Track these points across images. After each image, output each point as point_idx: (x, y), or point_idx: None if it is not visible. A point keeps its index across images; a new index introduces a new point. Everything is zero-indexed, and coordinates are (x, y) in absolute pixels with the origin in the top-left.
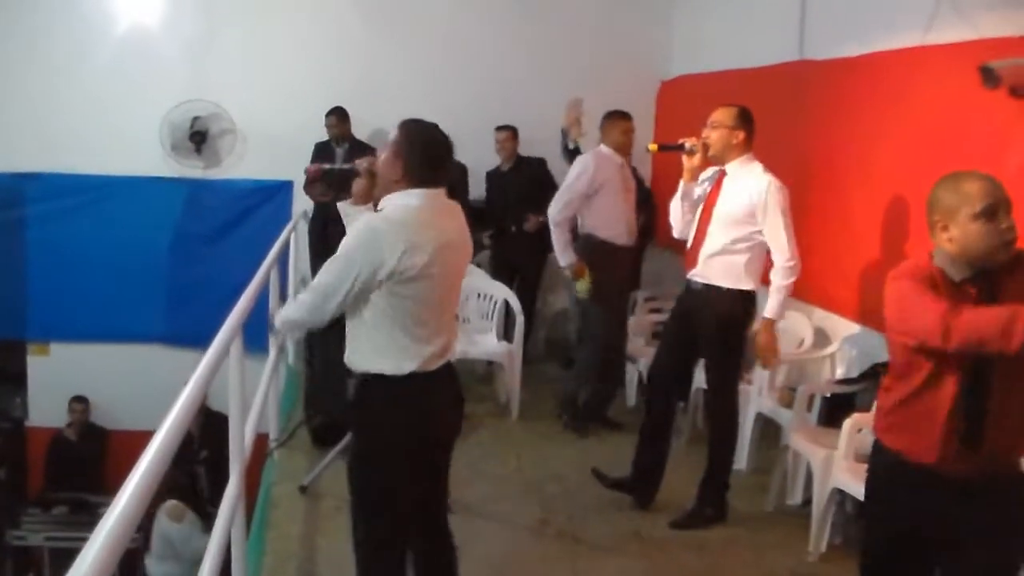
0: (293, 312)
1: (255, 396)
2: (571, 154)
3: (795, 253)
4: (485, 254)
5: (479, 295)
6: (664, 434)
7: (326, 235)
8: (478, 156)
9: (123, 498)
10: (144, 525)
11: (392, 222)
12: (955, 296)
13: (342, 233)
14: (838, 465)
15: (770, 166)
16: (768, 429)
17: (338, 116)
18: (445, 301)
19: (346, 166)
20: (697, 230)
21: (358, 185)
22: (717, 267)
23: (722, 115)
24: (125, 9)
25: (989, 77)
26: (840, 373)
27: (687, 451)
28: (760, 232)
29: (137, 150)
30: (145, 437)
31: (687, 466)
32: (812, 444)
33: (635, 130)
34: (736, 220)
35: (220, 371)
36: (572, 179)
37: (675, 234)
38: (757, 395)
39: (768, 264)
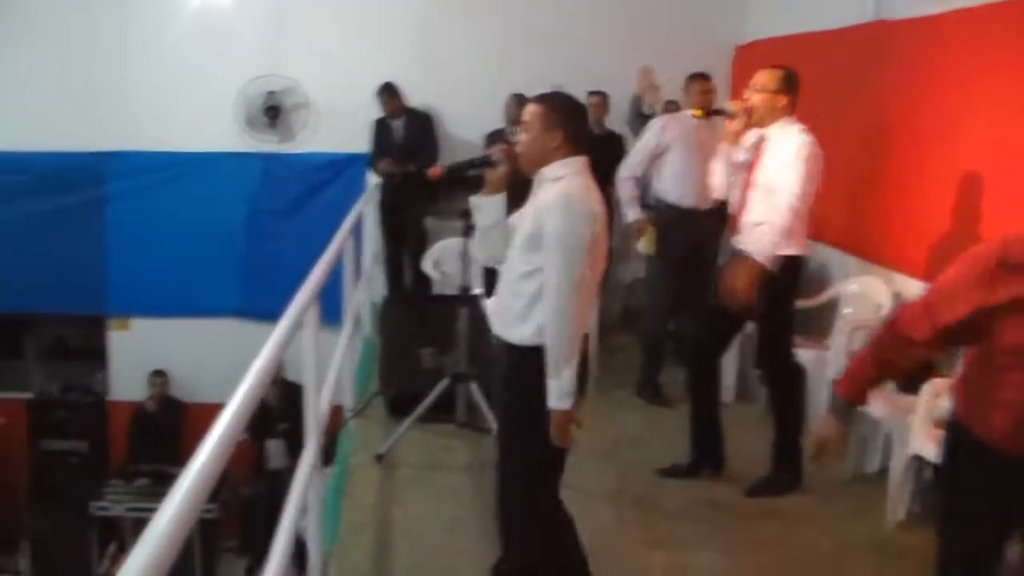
0: (553, 329)
1: (330, 367)
2: (643, 119)
3: (802, 196)
4: None
5: None
6: (713, 404)
7: (393, 208)
8: None
9: (194, 468)
10: (223, 496)
11: (579, 191)
12: (1011, 280)
13: (413, 210)
14: (916, 431)
15: (845, 131)
16: None
17: (388, 93)
18: (600, 270)
19: (476, 158)
20: (740, 197)
21: (495, 174)
22: (760, 235)
23: (765, 78)
24: None
25: None
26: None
27: (763, 419)
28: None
29: (213, 126)
30: (220, 410)
31: (765, 434)
32: (890, 409)
33: (714, 90)
34: (775, 189)
35: (297, 343)
36: (641, 139)
37: (715, 195)
38: (834, 360)
39: (810, 222)
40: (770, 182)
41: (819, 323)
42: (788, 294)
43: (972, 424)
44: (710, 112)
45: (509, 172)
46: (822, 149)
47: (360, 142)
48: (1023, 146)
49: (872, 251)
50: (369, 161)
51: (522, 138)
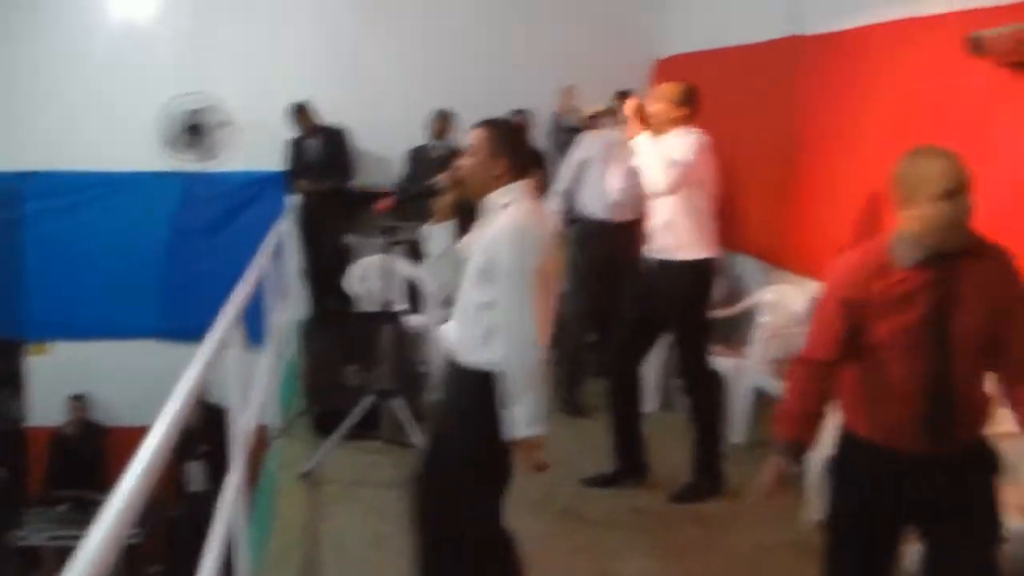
0: (519, 356)
1: (254, 387)
2: (567, 133)
3: (668, 179)
4: None
5: None
6: (634, 414)
7: (313, 226)
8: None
9: (121, 493)
10: (145, 521)
11: (524, 217)
12: (895, 286)
13: (333, 228)
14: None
15: (764, 141)
16: (764, 401)
17: (300, 112)
18: (552, 292)
19: (428, 183)
20: (647, 207)
21: (443, 202)
22: (668, 240)
23: (668, 89)
24: (119, 5)
25: (977, 46)
26: None
27: (686, 427)
28: (698, 191)
29: (133, 145)
30: (144, 433)
31: (687, 441)
32: None
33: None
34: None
35: (219, 364)
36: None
37: (611, 198)
38: (752, 368)
39: (719, 228)
40: None
41: (738, 332)
42: (701, 298)
43: (859, 428)
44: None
45: (456, 199)
46: (739, 159)
47: (282, 161)
48: None
49: (787, 259)
50: (286, 181)
51: (467, 162)
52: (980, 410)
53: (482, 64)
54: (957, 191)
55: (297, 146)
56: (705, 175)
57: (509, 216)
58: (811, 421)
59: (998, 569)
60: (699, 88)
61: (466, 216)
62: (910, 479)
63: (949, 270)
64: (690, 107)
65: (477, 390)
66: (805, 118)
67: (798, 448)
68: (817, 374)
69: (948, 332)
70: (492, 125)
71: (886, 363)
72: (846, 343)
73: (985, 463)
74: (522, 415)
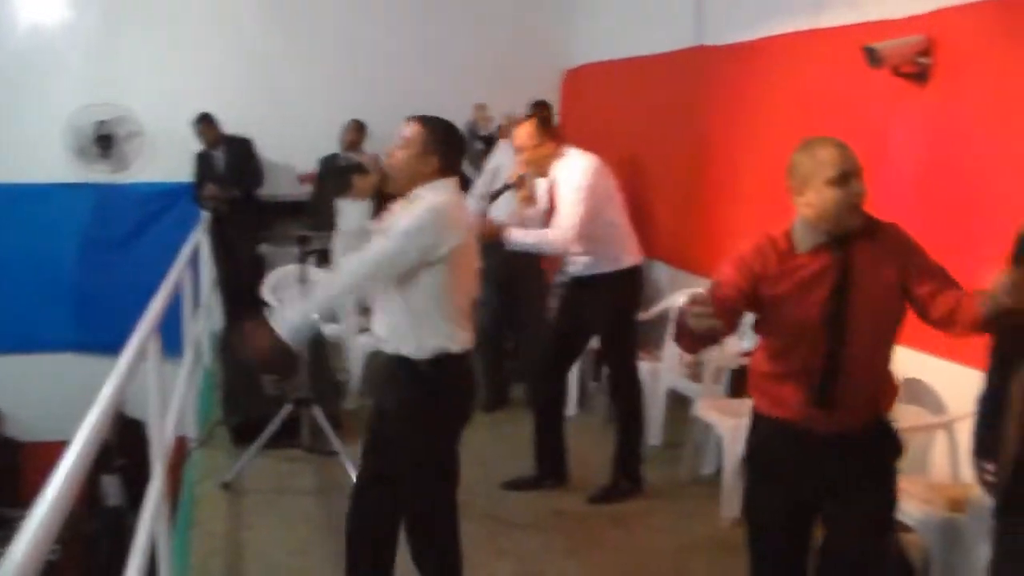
0: (333, 287)
1: (173, 398)
2: (482, 140)
3: (573, 230)
4: None
5: None
6: (557, 418)
7: (227, 236)
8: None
9: (43, 507)
10: (63, 536)
11: (443, 205)
12: (788, 265)
13: (247, 238)
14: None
15: (671, 148)
16: (679, 403)
17: (205, 123)
18: (471, 289)
19: (350, 162)
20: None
21: (364, 180)
22: (586, 259)
23: (522, 137)
24: (24, 14)
25: (873, 57)
26: (745, 346)
27: (604, 429)
28: (606, 207)
29: (42, 157)
30: (61, 447)
31: (605, 443)
32: (721, 414)
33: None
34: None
35: (137, 376)
36: None
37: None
38: (668, 371)
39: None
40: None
41: (652, 336)
42: (630, 306)
43: (767, 409)
44: (496, 193)
45: (377, 182)
46: (648, 167)
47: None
48: None
49: (697, 264)
50: (193, 194)
51: (398, 154)
52: (878, 392)
53: (393, 75)
54: (848, 176)
55: (204, 158)
56: (605, 193)
57: (425, 200)
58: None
59: (886, 554)
60: (548, 105)
61: (385, 197)
62: (812, 458)
63: (846, 253)
64: (550, 135)
65: (409, 379)
66: (711, 126)
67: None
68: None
69: (845, 313)
70: (427, 121)
71: (789, 346)
72: (738, 298)
73: (884, 445)
74: (289, 317)
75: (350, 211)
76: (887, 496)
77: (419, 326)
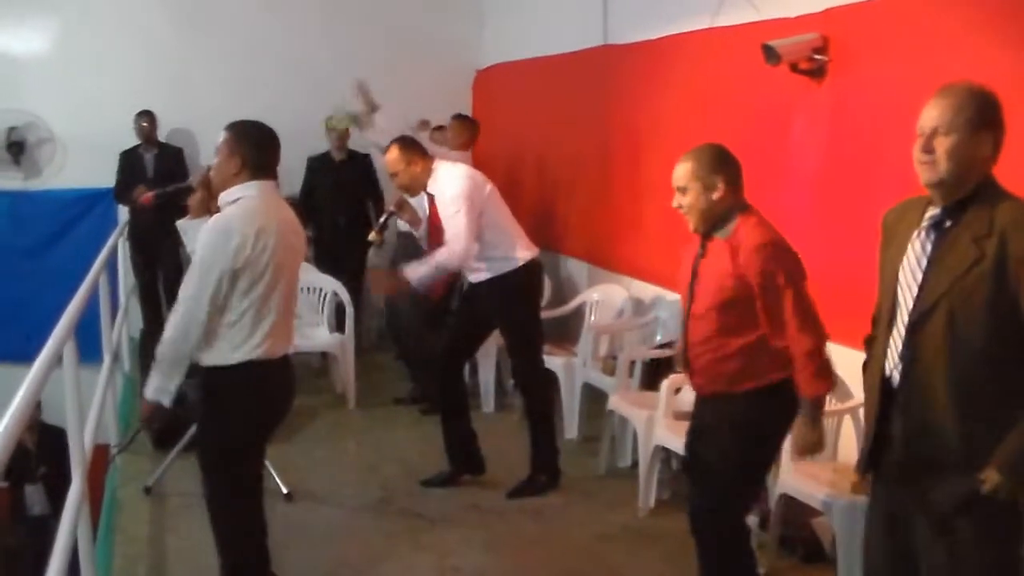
0: (171, 332)
1: (92, 404)
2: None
3: (462, 241)
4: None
5: (308, 289)
6: (462, 411)
7: (147, 240)
8: (287, 152)
9: None
10: None
11: (237, 214)
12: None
13: (168, 240)
14: (659, 424)
15: (580, 146)
16: (595, 397)
17: (148, 117)
18: (288, 291)
19: (181, 185)
20: (432, 248)
21: (194, 199)
22: (482, 263)
23: (391, 161)
24: None
25: (771, 55)
26: (658, 339)
27: (521, 425)
28: (490, 210)
29: None
30: None
31: (523, 439)
32: (635, 407)
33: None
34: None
35: (54, 385)
36: None
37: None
38: (582, 366)
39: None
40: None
41: (567, 330)
42: (529, 301)
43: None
44: (382, 226)
45: (206, 196)
46: (558, 164)
47: (110, 176)
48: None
49: (609, 261)
50: (115, 194)
51: (214, 163)
52: (719, 367)
53: (303, 78)
54: (676, 189)
55: (132, 158)
56: (482, 196)
57: (225, 212)
58: None
59: (717, 513)
60: (406, 135)
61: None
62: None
63: (704, 244)
64: (418, 154)
65: (210, 386)
66: (617, 124)
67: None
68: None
69: (693, 296)
70: (231, 125)
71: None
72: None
73: (720, 414)
74: (153, 382)
75: (190, 230)
76: (714, 461)
77: (224, 336)
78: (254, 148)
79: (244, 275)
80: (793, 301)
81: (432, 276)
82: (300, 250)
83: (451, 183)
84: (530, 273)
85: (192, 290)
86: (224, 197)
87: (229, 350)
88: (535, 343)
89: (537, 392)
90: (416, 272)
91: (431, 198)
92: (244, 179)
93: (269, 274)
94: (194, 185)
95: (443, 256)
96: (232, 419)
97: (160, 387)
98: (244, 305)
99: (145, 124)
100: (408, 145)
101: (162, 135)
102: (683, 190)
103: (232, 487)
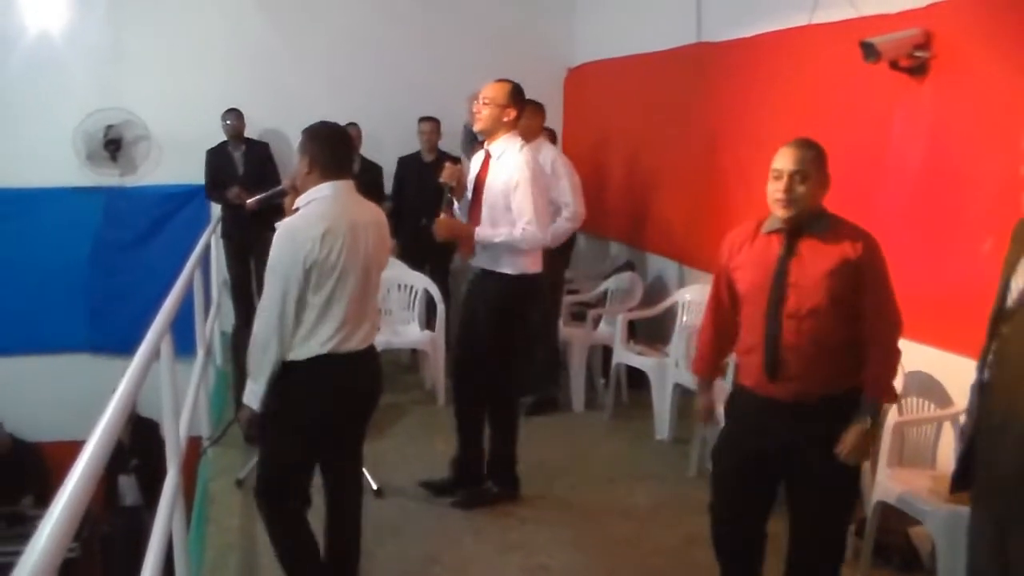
0: (252, 339)
1: (186, 397)
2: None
3: (537, 222)
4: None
5: (399, 286)
6: (477, 422)
7: (241, 236)
8: (378, 152)
9: (57, 508)
10: (81, 535)
11: (305, 215)
12: (754, 243)
13: (263, 237)
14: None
15: (675, 147)
16: (687, 397)
17: (236, 115)
18: (363, 288)
19: (276, 189)
20: (471, 215)
21: (289, 201)
22: (493, 253)
23: (494, 91)
24: (31, 21)
25: (870, 52)
26: None
27: (612, 424)
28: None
29: (52, 162)
30: (77, 447)
31: (614, 438)
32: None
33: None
34: (504, 205)
35: (150, 376)
36: None
37: None
38: (674, 366)
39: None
40: (496, 201)
41: (659, 331)
42: (516, 311)
43: (742, 379)
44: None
45: (295, 198)
46: (652, 163)
47: (203, 173)
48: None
49: (701, 260)
50: (206, 191)
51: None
52: (813, 362)
53: (396, 76)
54: (780, 174)
55: (220, 155)
56: (544, 194)
57: (293, 217)
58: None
59: (840, 524)
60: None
61: None
62: (766, 421)
63: (793, 240)
64: (518, 107)
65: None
66: (717, 122)
67: (706, 380)
68: (710, 320)
69: (783, 294)
70: (305, 130)
71: (746, 318)
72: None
73: (826, 416)
74: (249, 390)
75: None
76: (832, 466)
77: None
78: (323, 148)
79: (312, 276)
80: (892, 299)
81: (495, 246)
82: (380, 247)
83: (520, 165)
84: (530, 285)
85: (265, 300)
86: (301, 199)
87: (297, 345)
88: (511, 354)
89: (502, 403)
90: (485, 232)
91: (486, 163)
92: (316, 179)
93: (337, 273)
94: (286, 189)
95: (521, 234)
96: (297, 411)
97: (250, 391)
98: (316, 302)
99: (232, 121)
100: (519, 92)
101: (254, 134)
102: (803, 175)
103: (280, 510)
